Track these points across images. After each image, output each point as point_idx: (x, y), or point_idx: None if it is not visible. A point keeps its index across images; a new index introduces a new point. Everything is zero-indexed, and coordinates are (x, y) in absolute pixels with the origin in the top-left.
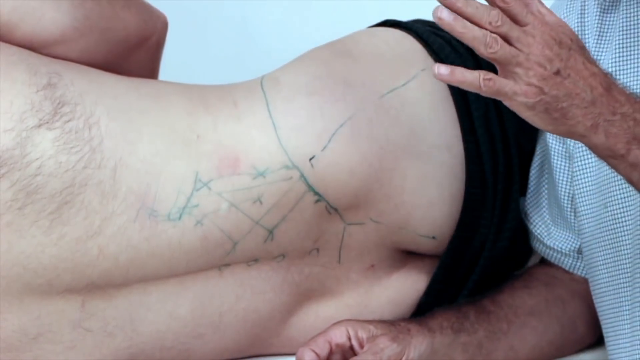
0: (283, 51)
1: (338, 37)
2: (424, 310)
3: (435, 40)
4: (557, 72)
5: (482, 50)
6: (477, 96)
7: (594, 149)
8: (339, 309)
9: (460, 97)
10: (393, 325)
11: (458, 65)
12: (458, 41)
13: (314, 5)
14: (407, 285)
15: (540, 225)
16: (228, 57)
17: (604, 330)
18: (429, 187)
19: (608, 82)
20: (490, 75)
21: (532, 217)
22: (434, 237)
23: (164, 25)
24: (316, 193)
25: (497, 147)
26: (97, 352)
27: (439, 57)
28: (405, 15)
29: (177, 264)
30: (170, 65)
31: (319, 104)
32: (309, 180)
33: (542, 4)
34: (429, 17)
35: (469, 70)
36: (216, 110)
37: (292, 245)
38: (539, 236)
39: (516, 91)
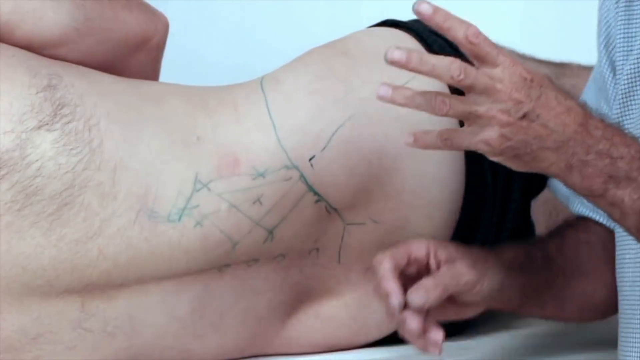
0: (283, 51)
1: (338, 37)
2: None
3: (436, 40)
4: (524, 116)
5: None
6: None
7: (571, 187)
8: (339, 309)
9: None
10: (472, 251)
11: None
12: None
13: (314, 5)
14: None
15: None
16: (228, 58)
17: (619, 327)
18: (428, 187)
19: (584, 116)
20: (447, 135)
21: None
22: (434, 237)
23: (165, 27)
24: (316, 193)
25: None
26: (97, 353)
27: None
28: (405, 15)
29: (177, 265)
30: (170, 66)
31: (318, 104)
32: (309, 180)
33: None
34: None
35: (427, 131)
36: (216, 112)
37: (292, 246)
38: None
39: (477, 143)
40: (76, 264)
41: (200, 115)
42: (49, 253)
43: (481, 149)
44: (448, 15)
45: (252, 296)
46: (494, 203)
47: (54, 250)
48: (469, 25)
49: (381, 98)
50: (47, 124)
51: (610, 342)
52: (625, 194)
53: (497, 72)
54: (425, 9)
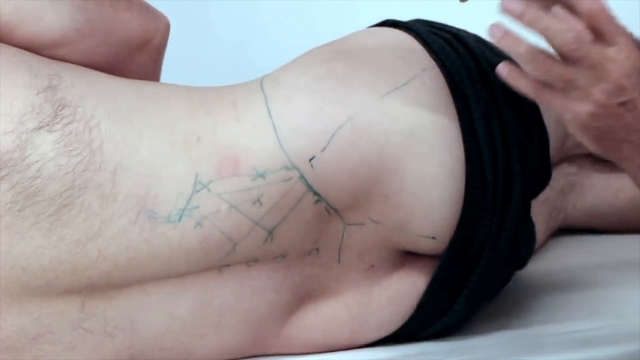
0: (283, 51)
1: (338, 37)
2: (424, 310)
3: (436, 41)
4: (623, 103)
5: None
6: (477, 96)
7: (637, 185)
8: (339, 309)
9: (461, 97)
10: None
11: (458, 65)
12: (459, 42)
13: (314, 5)
14: (407, 286)
15: None
16: (228, 58)
17: None
18: (429, 188)
19: None
20: (538, 88)
21: None
22: (434, 238)
23: (166, 28)
24: (316, 193)
25: (497, 148)
26: (97, 353)
27: (439, 57)
28: (405, 15)
29: (177, 265)
30: (171, 67)
31: (318, 104)
32: (309, 180)
33: None
34: (429, 17)
35: (520, 73)
36: (216, 112)
37: (292, 246)
38: None
39: (566, 110)
40: (76, 265)
41: (200, 115)
42: (49, 254)
43: (566, 118)
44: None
45: (253, 296)
46: (494, 203)
47: (54, 251)
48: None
49: (493, 35)
50: (48, 124)
51: (610, 342)
52: None
53: (611, 51)
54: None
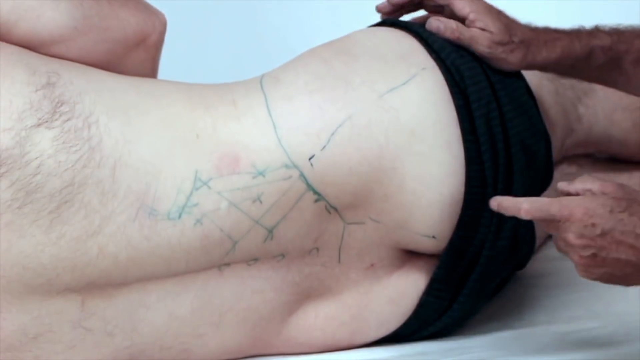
0: (283, 50)
1: (338, 36)
2: (424, 309)
3: (436, 40)
4: (594, 255)
5: None
6: (478, 96)
7: None
8: (339, 308)
9: (461, 97)
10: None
11: (458, 64)
12: None
13: (314, 5)
14: (407, 285)
15: None
16: (228, 56)
17: None
18: (429, 187)
19: None
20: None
21: None
22: (434, 237)
23: (163, 24)
24: (316, 192)
25: (498, 147)
26: (96, 352)
27: (439, 56)
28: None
29: (176, 263)
30: (169, 64)
31: (318, 103)
32: (309, 179)
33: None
34: None
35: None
36: (216, 110)
37: (292, 245)
38: None
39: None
40: (76, 263)
41: (200, 112)
42: (49, 251)
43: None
44: (503, 203)
45: (252, 295)
46: None
47: (54, 248)
48: (520, 206)
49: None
50: (47, 121)
51: (610, 342)
52: None
53: (562, 226)
54: (492, 205)
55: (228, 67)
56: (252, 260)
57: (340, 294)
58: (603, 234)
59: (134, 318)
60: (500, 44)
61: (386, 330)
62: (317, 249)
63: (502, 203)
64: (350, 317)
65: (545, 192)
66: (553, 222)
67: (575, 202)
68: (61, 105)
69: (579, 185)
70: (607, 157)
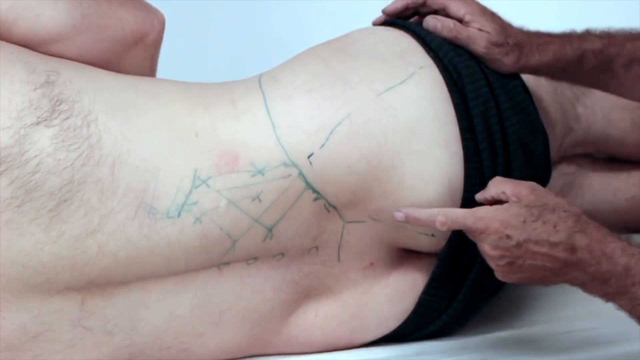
0: (282, 50)
1: (336, 36)
2: (423, 308)
3: (434, 39)
4: (511, 264)
5: None
6: (475, 95)
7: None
8: (339, 307)
9: (459, 96)
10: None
11: (456, 63)
12: None
13: (313, 5)
14: (406, 284)
15: None
16: (227, 56)
17: None
18: (427, 185)
19: (570, 245)
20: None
21: None
22: (432, 235)
23: (162, 23)
24: (315, 191)
25: (496, 145)
26: (96, 351)
27: (436, 55)
28: None
29: (176, 262)
30: (169, 63)
31: (317, 102)
32: (308, 178)
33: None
34: None
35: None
36: (214, 109)
37: (292, 244)
38: None
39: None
40: (76, 261)
41: (199, 112)
42: (49, 250)
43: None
44: (415, 215)
45: (252, 295)
46: None
47: (54, 246)
48: (435, 218)
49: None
50: (46, 120)
51: (610, 342)
52: (623, 304)
53: (478, 237)
54: (398, 216)
55: (228, 67)
56: (252, 259)
57: (340, 293)
58: (518, 244)
59: (133, 317)
60: (496, 44)
61: (386, 329)
62: (317, 247)
63: (412, 214)
64: (349, 316)
65: None
66: (469, 232)
67: (490, 214)
68: (60, 104)
69: (492, 190)
70: (606, 156)
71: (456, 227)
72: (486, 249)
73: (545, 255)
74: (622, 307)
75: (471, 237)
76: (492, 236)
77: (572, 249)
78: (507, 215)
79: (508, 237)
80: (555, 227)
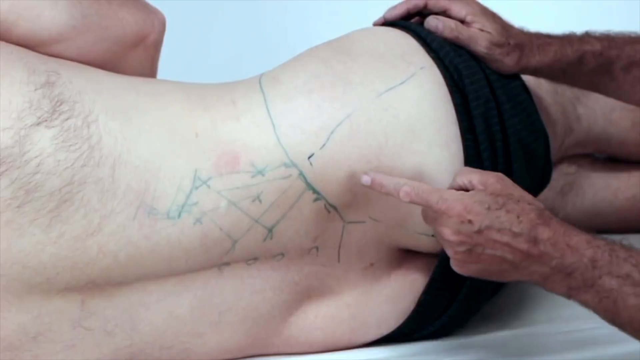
0: (282, 50)
1: (337, 36)
2: (423, 308)
3: (434, 39)
4: (469, 251)
5: None
6: (476, 95)
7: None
8: (339, 307)
9: (460, 96)
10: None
11: (456, 63)
12: None
13: (313, 5)
14: (407, 284)
15: None
16: (228, 56)
17: None
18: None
19: (533, 237)
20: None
21: None
22: (433, 236)
23: (162, 24)
24: (315, 191)
25: (497, 146)
26: (96, 351)
27: (437, 55)
28: None
29: (176, 263)
30: (169, 63)
31: (317, 102)
32: (308, 178)
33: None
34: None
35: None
36: (215, 109)
37: (292, 244)
38: None
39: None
40: (76, 262)
41: (199, 112)
42: (49, 250)
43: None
44: (382, 181)
45: (252, 295)
46: None
47: (54, 247)
48: (400, 187)
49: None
50: (46, 120)
51: (610, 342)
52: (587, 299)
53: (439, 219)
54: (365, 180)
55: (228, 67)
56: (252, 259)
57: (340, 293)
58: (479, 231)
59: (133, 317)
60: (497, 45)
61: (386, 330)
62: (317, 248)
63: (378, 180)
64: (349, 316)
65: (544, 192)
66: (430, 213)
67: (454, 196)
68: (60, 104)
69: (459, 179)
70: (606, 156)
71: (419, 201)
72: (446, 233)
73: (506, 245)
74: (587, 302)
75: (429, 223)
76: (454, 219)
77: (535, 241)
78: (471, 200)
79: (470, 222)
80: (518, 217)
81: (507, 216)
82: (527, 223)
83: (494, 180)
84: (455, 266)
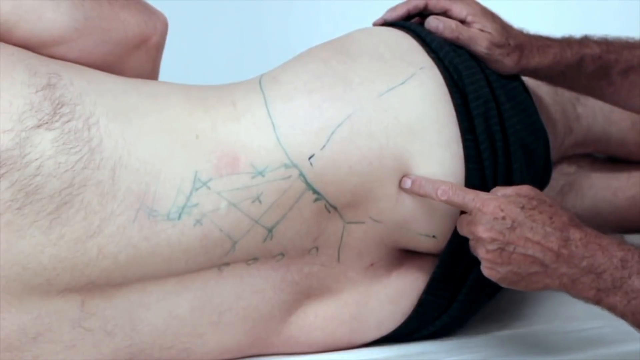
0: (283, 50)
1: (337, 36)
2: (423, 309)
3: (434, 39)
4: (501, 249)
5: None
6: (476, 96)
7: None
8: (339, 307)
9: (460, 96)
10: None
11: (456, 63)
12: None
13: (314, 5)
14: (407, 284)
15: None
16: (228, 56)
17: None
18: None
19: (562, 239)
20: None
21: None
22: (434, 236)
23: (164, 26)
24: (315, 192)
25: (497, 146)
26: (96, 352)
27: (437, 55)
28: None
29: (176, 264)
30: (170, 64)
31: (317, 102)
32: (308, 178)
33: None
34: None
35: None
36: (215, 110)
37: (292, 244)
38: None
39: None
40: (76, 263)
41: (199, 114)
42: (49, 252)
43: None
44: (421, 182)
45: (252, 295)
46: None
47: (54, 249)
48: (438, 186)
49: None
50: (47, 122)
51: (610, 342)
52: (616, 301)
53: (473, 218)
54: (406, 184)
55: (228, 68)
56: (252, 259)
57: (340, 294)
58: (512, 227)
59: (133, 318)
60: (498, 45)
61: (386, 330)
62: (317, 248)
63: (419, 181)
64: (350, 316)
65: (544, 192)
66: (465, 218)
67: (490, 196)
68: (61, 107)
69: (493, 191)
70: (606, 156)
71: (456, 199)
72: (479, 230)
73: (537, 243)
74: (614, 305)
75: (465, 226)
76: (488, 216)
77: (566, 240)
78: (506, 200)
79: (504, 218)
80: (551, 218)
81: (540, 216)
82: (559, 223)
83: (527, 188)
84: (485, 268)
